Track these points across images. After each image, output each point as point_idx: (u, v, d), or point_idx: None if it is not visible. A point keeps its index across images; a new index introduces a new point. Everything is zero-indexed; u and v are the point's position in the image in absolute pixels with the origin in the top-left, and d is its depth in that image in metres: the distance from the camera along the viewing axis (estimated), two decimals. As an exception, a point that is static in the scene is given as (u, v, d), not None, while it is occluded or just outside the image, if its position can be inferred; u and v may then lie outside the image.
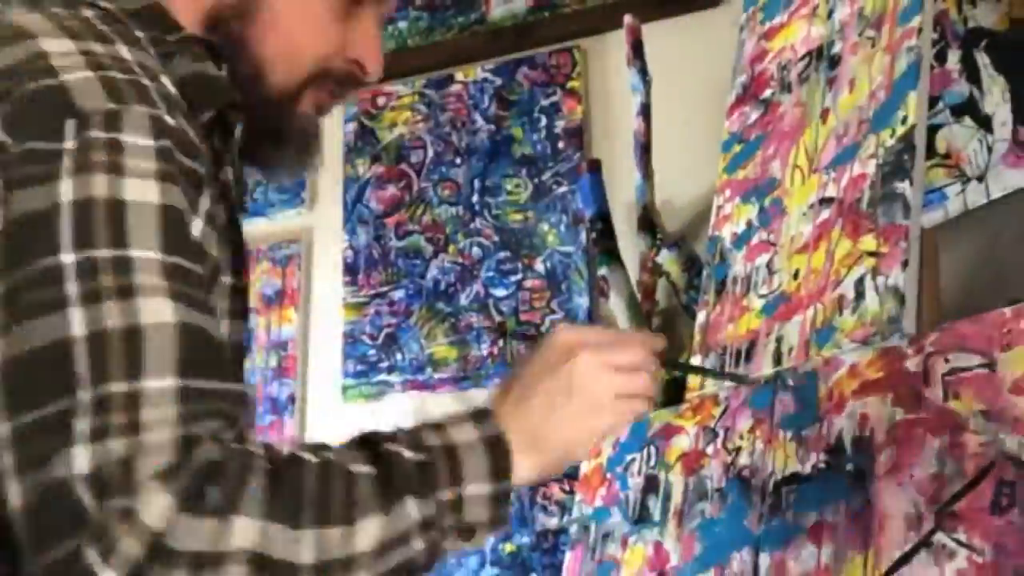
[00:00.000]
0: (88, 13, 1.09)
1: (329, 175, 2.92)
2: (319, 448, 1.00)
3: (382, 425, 2.57)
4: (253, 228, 2.96)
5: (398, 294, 2.73)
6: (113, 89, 0.98)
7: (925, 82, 1.58)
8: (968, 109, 1.77)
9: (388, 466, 0.99)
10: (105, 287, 0.91)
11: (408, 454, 1.01)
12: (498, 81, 2.74)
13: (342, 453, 1.00)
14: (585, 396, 1.11)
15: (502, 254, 2.64)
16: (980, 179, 1.74)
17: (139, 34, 1.10)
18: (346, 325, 2.77)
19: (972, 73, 1.78)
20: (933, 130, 1.79)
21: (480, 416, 1.08)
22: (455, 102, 2.79)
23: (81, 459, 0.86)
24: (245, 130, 1.20)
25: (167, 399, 0.90)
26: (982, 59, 1.77)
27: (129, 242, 0.93)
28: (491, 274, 2.64)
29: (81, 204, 0.92)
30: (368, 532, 0.95)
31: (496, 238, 2.65)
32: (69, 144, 0.94)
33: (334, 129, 2.92)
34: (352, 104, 2.89)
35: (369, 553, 0.95)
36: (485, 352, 2.59)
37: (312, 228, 2.94)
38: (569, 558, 1.94)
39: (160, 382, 0.90)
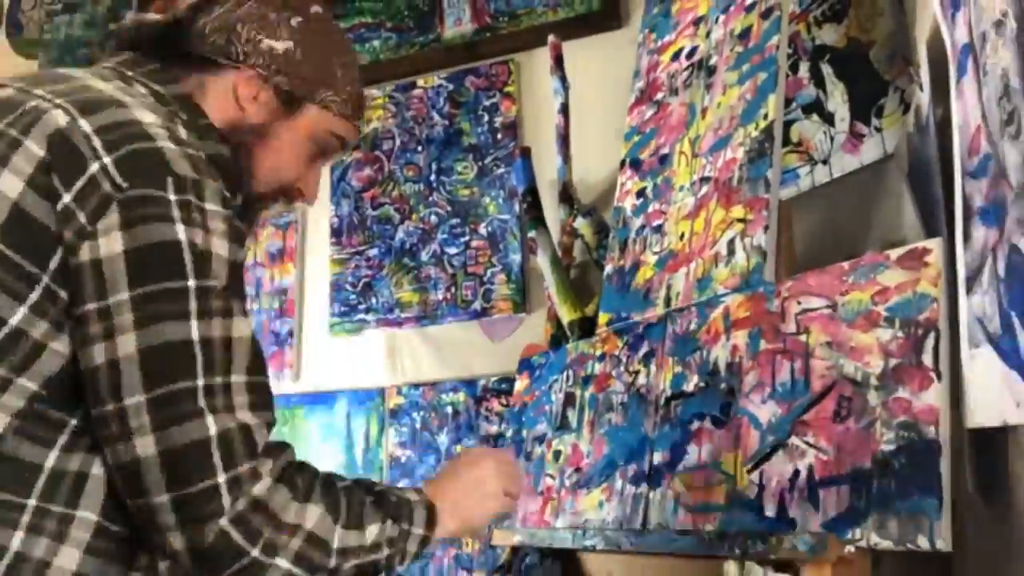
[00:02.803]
0: (143, 91, 1.14)
1: (319, 159, 2.88)
2: (341, 476, 1.13)
3: (361, 352, 2.54)
4: (260, 200, 2.93)
5: (373, 252, 2.69)
6: (193, 162, 1.04)
7: (781, 87, 1.55)
8: (815, 108, 1.77)
9: (379, 498, 1.14)
10: (213, 308, 1.00)
11: (390, 496, 1.15)
12: (451, 87, 2.71)
13: (354, 482, 1.14)
14: (486, 490, 1.26)
15: (454, 220, 2.60)
16: (825, 162, 1.73)
17: (183, 116, 1.15)
18: (332, 276, 2.74)
19: (818, 80, 1.77)
20: (788, 124, 1.78)
21: (422, 491, 1.21)
22: (417, 103, 2.75)
23: (211, 427, 0.97)
24: None
25: (247, 391, 1.02)
26: (826, 69, 1.76)
27: (218, 277, 1.02)
28: (445, 236, 2.60)
29: (192, 245, 1.00)
30: (369, 534, 1.10)
31: (449, 208, 2.62)
32: (172, 196, 1.00)
33: (323, 123, 2.88)
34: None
35: (366, 547, 1.09)
36: (440, 297, 2.56)
37: (306, 200, 2.89)
38: (506, 456, 1.92)
39: (241, 379, 1.01)
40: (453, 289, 2.55)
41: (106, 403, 0.97)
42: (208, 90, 1.21)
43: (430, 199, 2.65)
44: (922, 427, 1.12)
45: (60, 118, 1.02)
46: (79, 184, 0.98)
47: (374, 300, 2.65)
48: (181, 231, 0.99)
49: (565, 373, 1.83)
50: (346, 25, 2.89)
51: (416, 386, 2.54)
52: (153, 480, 0.96)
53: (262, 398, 1.04)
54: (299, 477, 1.05)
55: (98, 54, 1.27)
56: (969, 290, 1.11)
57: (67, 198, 0.98)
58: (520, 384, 1.99)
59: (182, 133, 1.09)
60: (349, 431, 2.59)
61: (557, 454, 1.75)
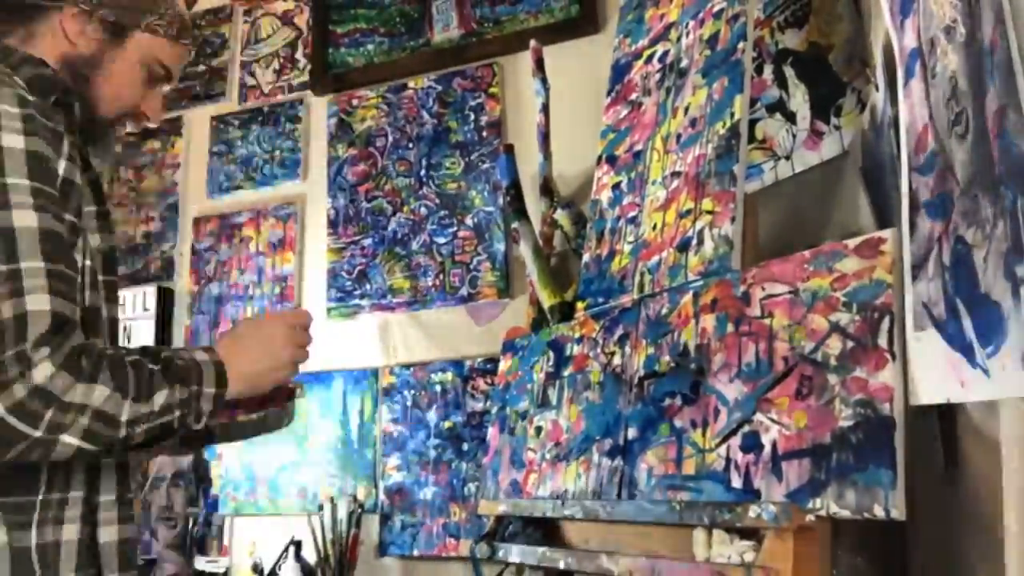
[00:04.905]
0: None
1: (317, 155, 2.86)
2: (128, 350, 1.15)
3: (356, 334, 2.52)
4: (262, 195, 2.93)
5: (367, 241, 2.67)
6: None
7: (747, 88, 1.54)
8: (778, 107, 1.76)
9: (167, 364, 1.15)
10: None
11: (177, 361, 1.17)
12: (439, 88, 2.68)
13: (140, 355, 1.15)
14: (276, 356, 1.29)
15: (442, 212, 2.58)
16: (787, 158, 1.72)
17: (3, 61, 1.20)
18: (329, 264, 2.71)
19: (781, 81, 1.76)
20: (753, 123, 1.77)
21: (212, 350, 1.23)
22: (408, 103, 2.73)
23: None
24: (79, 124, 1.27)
25: (39, 277, 1.04)
26: (789, 71, 1.75)
27: (6, 174, 1.06)
28: (434, 227, 2.58)
29: None
30: (157, 402, 1.12)
31: (438, 201, 2.60)
32: None
33: (321, 122, 2.87)
34: (334, 104, 2.82)
35: (156, 412, 1.12)
36: (430, 283, 2.55)
37: (305, 194, 2.86)
38: (491, 432, 1.92)
39: (32, 264, 1.04)
40: (442, 276, 2.54)
41: None
42: (37, 36, 1.27)
43: (420, 192, 2.63)
44: (878, 404, 1.12)
45: None
46: None
47: (368, 286, 2.63)
48: None
49: (546, 354, 1.82)
50: (342, 31, 2.87)
51: (407, 366, 2.53)
52: None
53: (57, 286, 1.06)
54: (84, 359, 1.06)
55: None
56: (915, 277, 1.10)
57: None
58: (504, 364, 1.98)
59: None
60: (345, 408, 2.57)
61: (539, 429, 1.74)
